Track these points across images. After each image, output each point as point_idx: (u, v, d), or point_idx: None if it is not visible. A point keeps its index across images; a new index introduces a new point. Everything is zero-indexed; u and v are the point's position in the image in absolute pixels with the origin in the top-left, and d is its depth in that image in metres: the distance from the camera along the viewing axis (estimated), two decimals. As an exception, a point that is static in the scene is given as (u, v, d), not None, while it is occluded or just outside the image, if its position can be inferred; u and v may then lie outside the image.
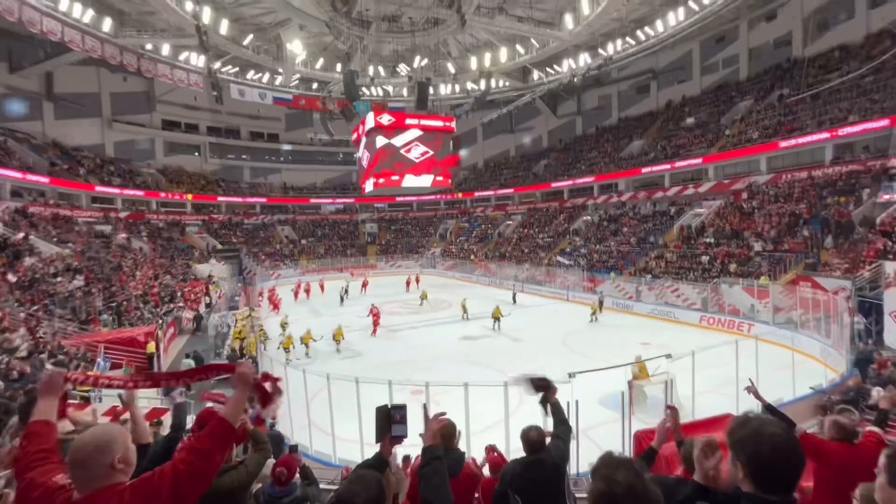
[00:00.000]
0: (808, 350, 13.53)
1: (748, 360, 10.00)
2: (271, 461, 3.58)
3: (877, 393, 8.70)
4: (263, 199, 47.33)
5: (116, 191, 35.46)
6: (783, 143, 24.89)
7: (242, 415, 3.15)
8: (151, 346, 13.63)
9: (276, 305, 25.31)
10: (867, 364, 11.08)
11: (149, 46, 28.11)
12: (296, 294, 29.77)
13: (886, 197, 18.86)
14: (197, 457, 1.43)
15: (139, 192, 37.53)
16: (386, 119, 20.54)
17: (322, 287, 31.27)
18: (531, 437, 2.74)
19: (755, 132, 27.23)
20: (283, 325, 18.35)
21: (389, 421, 2.12)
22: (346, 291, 28.52)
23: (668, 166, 31.72)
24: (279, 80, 33.51)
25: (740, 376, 9.75)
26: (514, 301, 25.43)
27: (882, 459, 1.24)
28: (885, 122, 20.50)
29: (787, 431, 1.33)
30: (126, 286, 21.23)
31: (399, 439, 2.14)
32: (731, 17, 30.11)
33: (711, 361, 9.90)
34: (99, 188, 33.96)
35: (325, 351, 16.77)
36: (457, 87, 36.41)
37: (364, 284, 31.99)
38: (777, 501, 1.29)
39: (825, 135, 23.05)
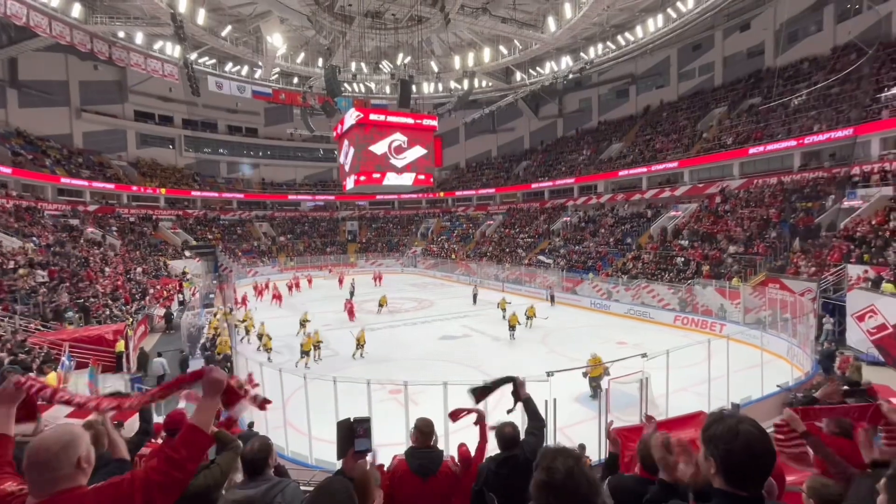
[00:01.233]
0: (775, 349, 14.02)
1: (720, 359, 10.31)
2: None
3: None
4: (241, 195, 46.29)
5: (85, 183, 34.07)
6: (754, 150, 25.75)
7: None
8: (121, 345, 13.16)
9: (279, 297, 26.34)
10: (830, 362, 11.58)
11: (121, 34, 27.09)
12: (290, 288, 29.95)
13: (849, 203, 19.73)
14: (171, 466, 1.37)
15: (109, 185, 36.19)
16: (368, 116, 20.33)
17: (310, 282, 33.29)
18: (505, 433, 2.73)
19: (729, 138, 28.08)
20: (303, 323, 18.55)
21: (352, 435, 2.07)
22: (353, 287, 28.11)
23: (645, 169, 32.43)
24: (258, 73, 32.80)
25: (712, 375, 10.07)
26: (475, 302, 25.38)
27: (883, 481, 1.26)
28: (849, 132, 21.42)
29: (761, 430, 1.35)
30: (94, 282, 20.45)
31: (363, 454, 2.08)
32: (707, 26, 30.99)
33: (685, 360, 10.15)
34: (65, 180, 32.58)
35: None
36: (440, 86, 36.35)
37: (378, 277, 33.94)
38: (747, 497, 1.31)
39: (793, 142, 23.96)
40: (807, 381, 10.77)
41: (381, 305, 23.28)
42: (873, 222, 17.52)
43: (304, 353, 15.06)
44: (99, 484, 1.35)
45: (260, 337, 16.41)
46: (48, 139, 34.58)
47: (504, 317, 19.35)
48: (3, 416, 1.53)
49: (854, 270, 15.81)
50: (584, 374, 11.76)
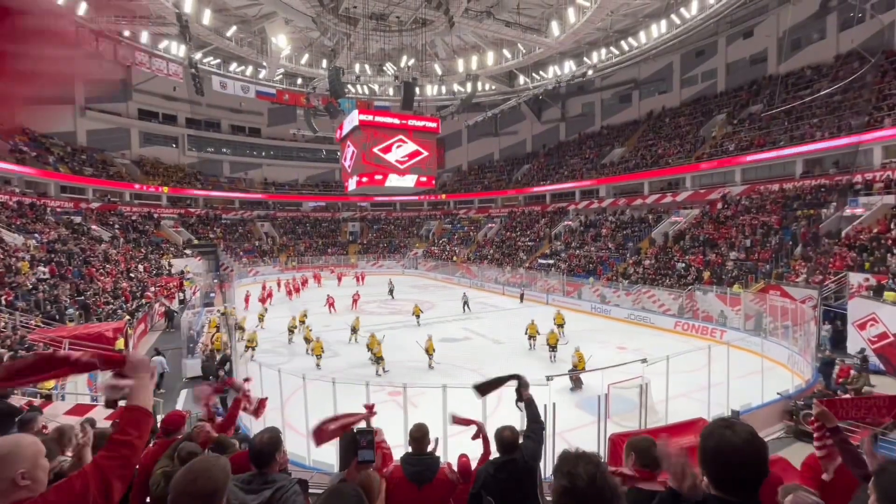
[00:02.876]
0: (776, 357, 13.99)
1: (720, 365, 10.28)
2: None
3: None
4: (243, 195, 46.39)
5: (88, 181, 34.18)
6: (757, 156, 25.75)
7: (207, 424, 3.09)
8: (120, 343, 13.15)
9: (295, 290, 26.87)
10: (830, 371, 11.54)
11: (126, 33, 27.25)
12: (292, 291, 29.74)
13: (851, 211, 19.71)
14: (119, 447, 1.39)
15: (112, 183, 36.29)
16: (371, 118, 20.38)
17: (318, 280, 34.22)
18: (505, 437, 2.72)
19: (731, 144, 28.09)
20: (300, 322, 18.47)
21: (355, 446, 2.11)
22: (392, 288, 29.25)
23: (647, 174, 32.43)
24: (263, 73, 32.92)
25: (712, 381, 10.05)
26: (466, 309, 23.89)
27: (872, 480, 1.27)
28: (852, 139, 21.41)
29: (752, 433, 1.36)
30: (96, 280, 20.49)
31: (367, 464, 2.11)
32: (711, 32, 31.07)
33: (685, 366, 10.13)
34: (69, 177, 32.69)
35: (303, 349, 16.53)
36: (443, 89, 36.44)
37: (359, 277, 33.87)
38: (738, 502, 1.32)
39: (796, 149, 23.96)
40: (807, 389, 10.74)
41: (353, 331, 18.32)
42: (875, 230, 17.50)
43: (318, 356, 15.06)
44: (46, 491, 1.30)
45: (307, 340, 16.30)
46: (52, 136, 34.72)
47: (561, 333, 17.03)
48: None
49: (855, 278, 15.78)
50: (573, 369, 12.30)
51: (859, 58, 24.34)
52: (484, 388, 2.91)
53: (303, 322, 18.72)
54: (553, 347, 15.39)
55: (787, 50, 28.40)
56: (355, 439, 2.13)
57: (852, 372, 11.17)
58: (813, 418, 2.19)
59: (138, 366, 1.56)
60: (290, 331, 18.31)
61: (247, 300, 25.11)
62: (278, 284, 30.98)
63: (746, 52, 32.64)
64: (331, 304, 24.13)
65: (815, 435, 2.23)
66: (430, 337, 15.44)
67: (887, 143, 20.56)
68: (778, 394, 10.43)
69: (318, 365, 14.77)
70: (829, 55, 27.30)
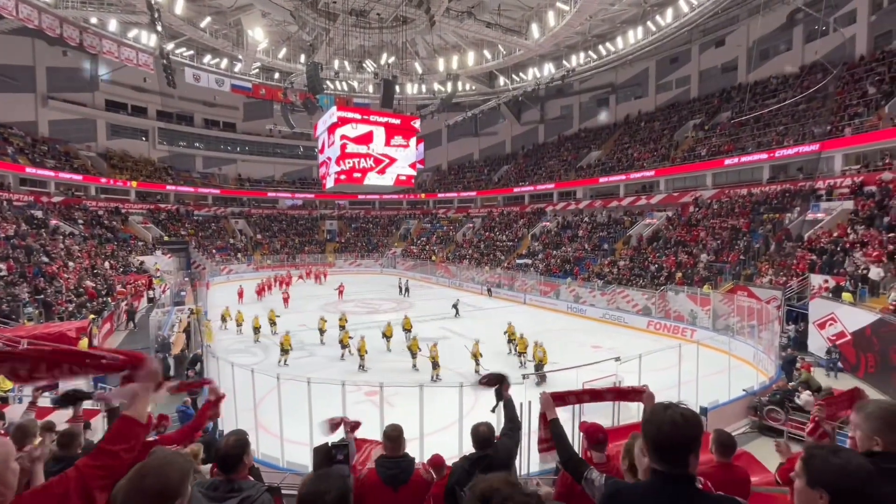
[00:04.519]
0: (742, 354, 14.51)
1: (690, 363, 10.59)
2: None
3: (807, 395, 9.48)
4: (217, 191, 45.15)
5: (51, 173, 32.62)
6: (727, 161, 26.65)
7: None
8: (84, 343, 12.59)
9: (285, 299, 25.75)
10: (791, 368, 12.05)
11: (94, 20, 26.11)
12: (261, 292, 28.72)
13: (812, 215, 20.63)
14: (105, 457, 1.34)
15: (77, 177, 34.74)
16: (350, 115, 20.14)
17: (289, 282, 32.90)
18: (480, 432, 2.75)
19: (703, 149, 28.99)
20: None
21: (331, 461, 2.04)
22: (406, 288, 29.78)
23: (623, 177, 33.16)
24: (238, 67, 32.10)
25: (682, 379, 10.33)
26: (456, 313, 23.30)
27: (798, 463, 1.31)
28: (815, 147, 22.41)
29: (690, 412, 1.48)
30: (57, 277, 19.58)
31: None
32: (685, 40, 32.01)
33: (656, 364, 10.38)
34: (30, 170, 31.14)
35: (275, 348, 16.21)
36: (423, 88, 36.33)
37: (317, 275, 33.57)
38: (673, 474, 1.42)
39: (763, 155, 24.92)
40: (770, 385, 11.17)
41: (321, 330, 17.88)
42: (835, 234, 18.36)
43: (284, 351, 14.99)
44: (23, 494, 1.27)
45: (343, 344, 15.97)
46: (10, 126, 33.00)
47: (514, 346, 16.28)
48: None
49: (816, 280, 16.52)
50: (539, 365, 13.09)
51: (822, 69, 25.50)
52: (488, 381, 3.05)
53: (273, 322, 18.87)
54: (522, 353, 15.20)
55: (755, 59, 29.51)
56: (330, 452, 2.07)
57: (812, 369, 11.68)
58: (813, 423, 2.33)
59: (154, 374, 1.51)
60: (255, 330, 17.99)
61: (240, 294, 26.13)
62: (276, 281, 30.58)
63: (718, 61, 33.76)
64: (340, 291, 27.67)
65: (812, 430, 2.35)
66: (416, 336, 15.51)
67: (847, 150, 21.60)
68: (743, 390, 10.81)
69: (284, 361, 14.79)
70: (795, 65, 28.50)
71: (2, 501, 1.24)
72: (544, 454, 2.39)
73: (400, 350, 16.02)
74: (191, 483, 1.37)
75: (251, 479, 2.29)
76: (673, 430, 1.41)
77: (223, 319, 20.22)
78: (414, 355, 14.81)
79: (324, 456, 2.06)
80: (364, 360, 14.65)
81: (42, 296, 16.95)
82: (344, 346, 15.84)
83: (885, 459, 1.43)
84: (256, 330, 18.00)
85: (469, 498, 1.22)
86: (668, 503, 1.40)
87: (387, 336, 16.61)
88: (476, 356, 14.45)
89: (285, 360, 14.85)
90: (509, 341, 16.61)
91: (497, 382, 2.95)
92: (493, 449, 2.70)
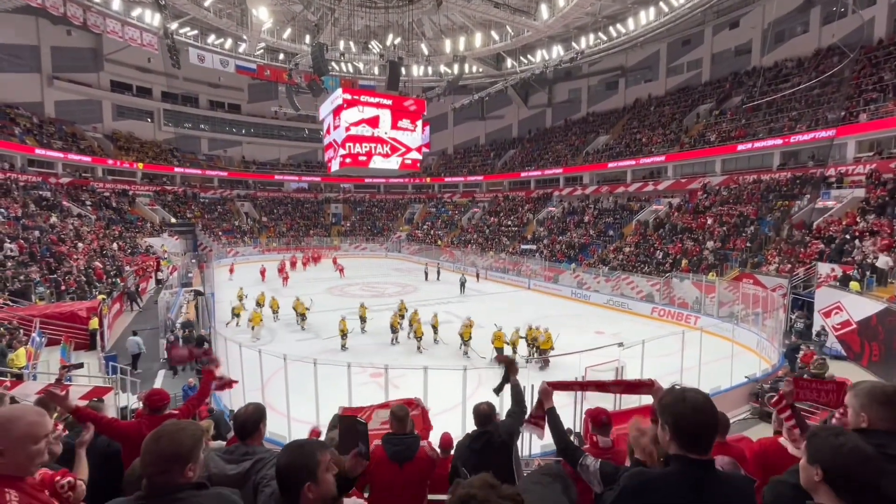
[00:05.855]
0: (745, 342, 14.54)
1: (693, 350, 10.64)
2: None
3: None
4: (224, 173, 45.16)
5: (59, 155, 32.70)
6: (740, 147, 26.13)
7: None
8: (94, 322, 12.86)
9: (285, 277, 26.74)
10: (795, 356, 12.08)
11: (97, -1, 25.81)
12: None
13: (823, 203, 20.35)
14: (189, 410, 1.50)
15: (86, 158, 34.83)
16: (355, 97, 19.95)
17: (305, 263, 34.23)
18: (481, 410, 2.89)
19: (713, 135, 28.51)
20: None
21: (357, 436, 1.99)
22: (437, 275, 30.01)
23: (631, 162, 32.75)
24: (243, 47, 31.74)
25: (685, 365, 10.40)
26: (462, 290, 25.43)
27: (805, 442, 1.36)
28: (832, 133, 21.94)
29: (705, 396, 1.50)
30: (67, 258, 19.83)
31: (364, 458, 1.89)
32: (698, 21, 31.15)
33: (660, 350, 10.45)
34: (39, 151, 31.24)
35: (285, 330, 16.44)
36: (429, 70, 35.78)
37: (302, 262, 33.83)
38: (698, 459, 1.44)
39: (778, 141, 24.42)
40: (773, 373, 11.22)
41: (300, 315, 17.68)
42: (844, 223, 18.13)
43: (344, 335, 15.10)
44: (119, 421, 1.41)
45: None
46: (17, 106, 33.01)
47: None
48: None
49: (823, 268, 16.39)
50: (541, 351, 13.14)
51: (839, 52, 24.79)
52: (503, 360, 3.10)
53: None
54: (466, 342, 14.55)
55: (770, 42, 28.73)
56: (357, 429, 2.09)
57: (815, 357, 11.69)
58: (779, 395, 2.32)
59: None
60: (235, 314, 17.80)
61: (262, 273, 27.81)
62: (292, 264, 31.86)
63: (732, 43, 32.91)
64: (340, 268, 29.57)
65: (779, 412, 2.35)
66: (419, 320, 15.61)
67: (861, 137, 21.15)
68: (745, 377, 10.88)
69: (343, 346, 14.87)
70: (810, 49, 27.73)
71: (22, 472, 1.31)
72: (530, 426, 2.52)
73: (409, 334, 16.16)
74: (202, 451, 1.44)
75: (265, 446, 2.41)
76: (697, 416, 1.44)
77: (240, 300, 20.22)
78: (465, 342, 14.58)
79: (351, 428, 2.11)
80: (420, 339, 15.15)
81: (54, 276, 17.20)
82: (395, 329, 15.85)
83: (871, 436, 1.46)
84: (237, 313, 17.85)
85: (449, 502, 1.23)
86: (694, 488, 1.42)
87: (434, 327, 15.78)
88: (464, 336, 14.53)
89: (344, 345, 14.90)
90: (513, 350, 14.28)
91: (509, 363, 3.03)
92: (493, 426, 2.82)
